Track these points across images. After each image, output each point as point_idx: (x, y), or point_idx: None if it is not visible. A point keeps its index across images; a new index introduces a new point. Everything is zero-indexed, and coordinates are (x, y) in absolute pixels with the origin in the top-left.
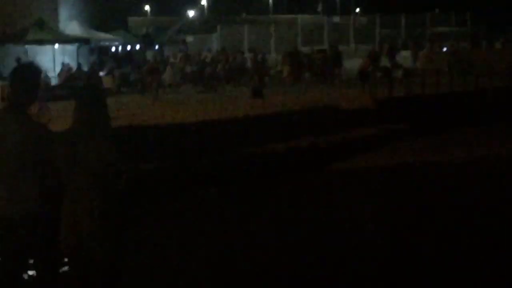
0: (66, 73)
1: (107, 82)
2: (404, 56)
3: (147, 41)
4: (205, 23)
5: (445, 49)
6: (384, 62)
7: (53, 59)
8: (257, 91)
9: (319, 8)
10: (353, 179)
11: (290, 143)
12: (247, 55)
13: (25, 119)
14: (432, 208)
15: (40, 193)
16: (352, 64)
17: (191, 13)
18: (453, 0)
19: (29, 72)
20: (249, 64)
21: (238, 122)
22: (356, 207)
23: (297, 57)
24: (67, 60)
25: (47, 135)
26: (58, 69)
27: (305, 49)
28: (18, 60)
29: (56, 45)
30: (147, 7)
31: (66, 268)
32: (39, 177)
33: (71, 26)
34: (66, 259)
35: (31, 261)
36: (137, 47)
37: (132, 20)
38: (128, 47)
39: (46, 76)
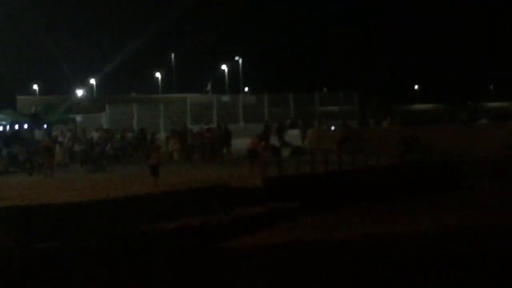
0: None
1: None
2: (293, 135)
3: (35, 120)
4: (94, 102)
5: (333, 127)
6: (273, 140)
7: None
8: (155, 169)
9: (208, 87)
10: (243, 257)
11: (181, 221)
12: (130, 134)
13: None
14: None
15: None
16: (242, 142)
17: (79, 92)
18: (341, 80)
19: None
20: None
21: (130, 200)
22: (247, 285)
23: (185, 136)
24: None
25: None
26: None
27: (194, 128)
28: None
29: None
30: (35, 86)
31: None
32: None
33: None
34: None
35: None
36: (26, 126)
37: (21, 99)
38: (16, 126)
39: None
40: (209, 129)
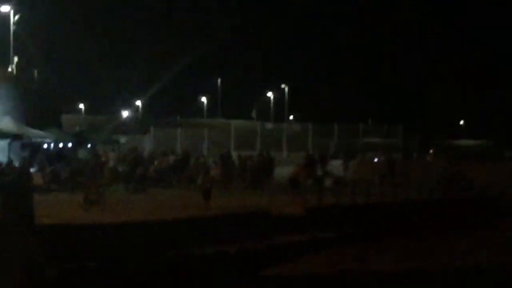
0: None
1: (37, 179)
2: (335, 165)
3: (79, 140)
4: (139, 124)
5: (376, 159)
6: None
7: None
8: (207, 192)
9: (253, 114)
10: (280, 286)
11: (219, 247)
12: (172, 157)
13: None
14: None
15: None
16: (285, 170)
17: (125, 113)
18: (385, 113)
19: None
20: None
21: (167, 223)
22: None
23: (230, 161)
24: None
25: None
26: None
27: (237, 153)
28: None
29: None
30: (81, 105)
31: None
32: None
33: (4, 121)
34: None
35: None
36: (70, 145)
37: (66, 117)
38: (61, 145)
39: None
40: (251, 156)
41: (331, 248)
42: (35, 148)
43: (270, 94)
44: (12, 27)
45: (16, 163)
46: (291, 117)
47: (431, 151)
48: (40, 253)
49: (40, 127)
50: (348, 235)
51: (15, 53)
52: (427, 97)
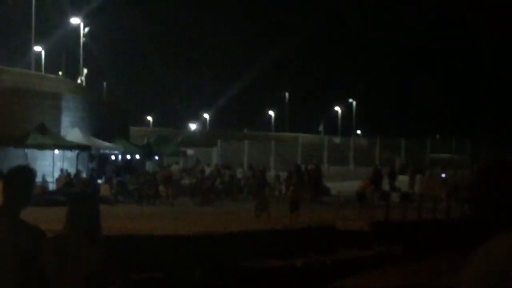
0: (65, 178)
1: (105, 190)
2: (402, 180)
3: (147, 151)
4: (206, 137)
5: (443, 175)
6: (383, 185)
7: (52, 164)
8: (296, 204)
9: (320, 128)
10: None
11: (284, 261)
12: (240, 170)
13: (16, 222)
14: None
15: None
16: (351, 185)
17: (192, 126)
18: (454, 127)
19: (23, 175)
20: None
21: (234, 236)
22: None
23: (302, 175)
24: (66, 165)
25: (39, 238)
26: (57, 174)
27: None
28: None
29: (56, 151)
30: (149, 118)
31: None
32: (26, 279)
33: (72, 133)
34: None
35: None
36: (137, 157)
37: (134, 129)
38: (128, 156)
39: (44, 181)
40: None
41: (397, 263)
42: (103, 159)
43: (337, 108)
44: (81, 40)
45: (84, 174)
46: (358, 132)
47: None
48: (104, 264)
49: (108, 139)
50: (414, 250)
51: (84, 65)
52: (497, 111)
